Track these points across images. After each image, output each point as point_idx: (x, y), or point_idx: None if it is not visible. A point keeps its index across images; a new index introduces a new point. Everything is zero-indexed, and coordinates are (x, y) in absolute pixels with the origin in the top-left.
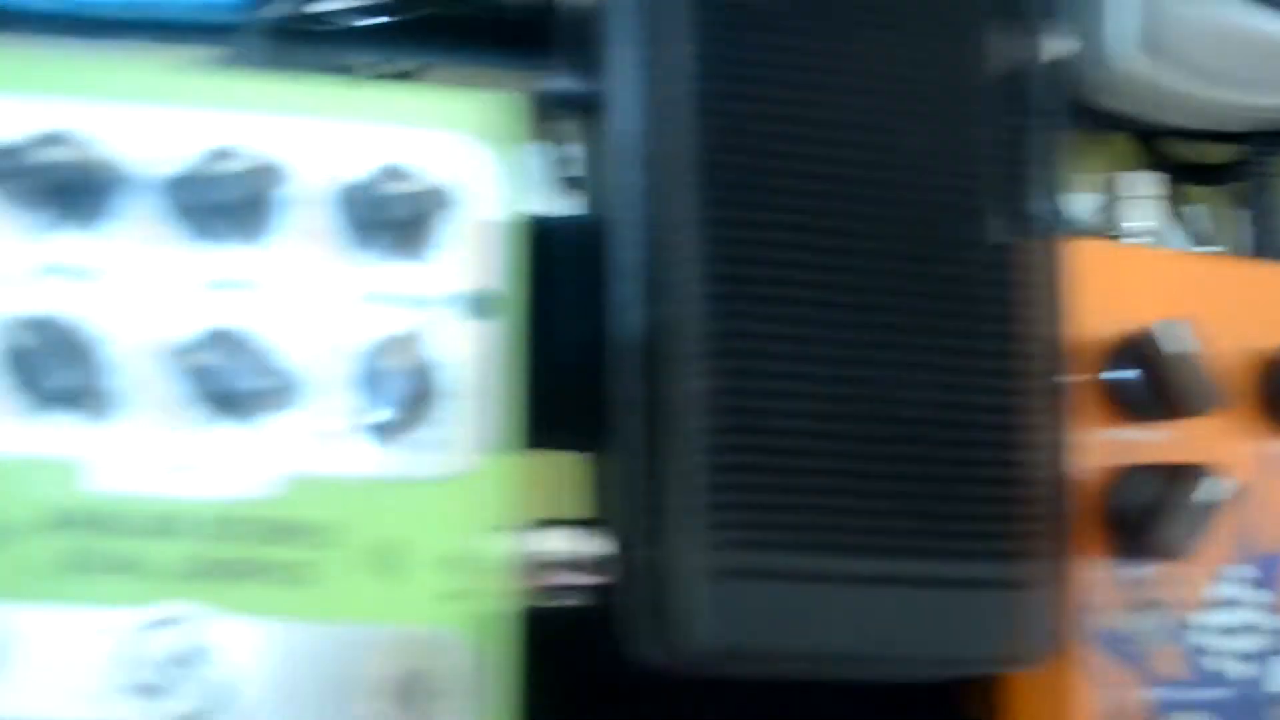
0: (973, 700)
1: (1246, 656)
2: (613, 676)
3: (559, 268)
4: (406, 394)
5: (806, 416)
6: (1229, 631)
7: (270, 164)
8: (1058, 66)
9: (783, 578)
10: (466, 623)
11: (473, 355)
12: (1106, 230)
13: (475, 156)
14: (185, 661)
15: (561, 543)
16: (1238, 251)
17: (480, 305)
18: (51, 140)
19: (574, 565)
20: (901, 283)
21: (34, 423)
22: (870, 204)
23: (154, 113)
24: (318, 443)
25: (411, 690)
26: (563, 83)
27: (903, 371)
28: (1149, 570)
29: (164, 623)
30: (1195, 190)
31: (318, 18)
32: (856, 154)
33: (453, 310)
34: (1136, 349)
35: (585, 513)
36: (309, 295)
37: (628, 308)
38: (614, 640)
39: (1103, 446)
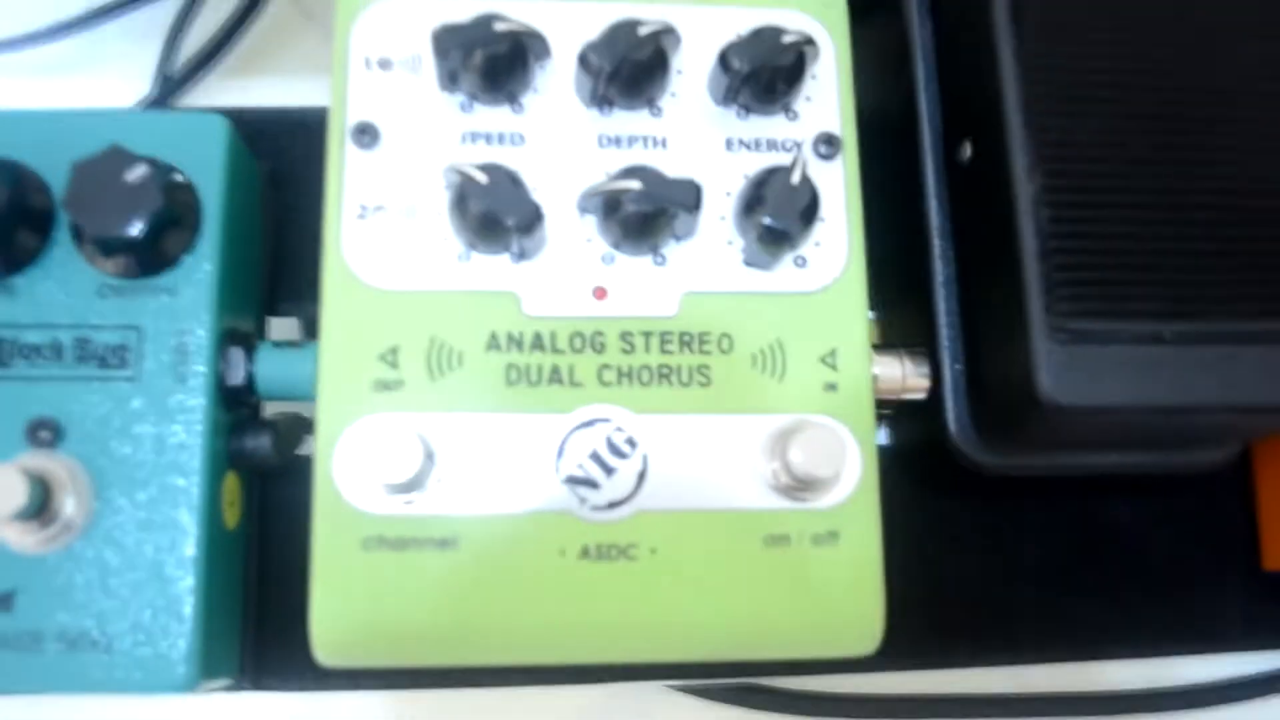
0: None
1: None
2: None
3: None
4: (782, 222)
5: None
6: None
7: (669, 28)
8: None
9: (1120, 341)
10: (841, 411)
11: (829, 187)
12: None
13: (816, 28)
14: (610, 454)
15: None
16: None
17: (832, 146)
18: (491, 19)
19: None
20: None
21: (477, 261)
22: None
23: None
24: (709, 266)
25: (798, 469)
26: None
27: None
28: None
29: (591, 423)
30: None
31: None
32: None
33: (812, 150)
34: None
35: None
36: (693, 143)
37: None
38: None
39: None
